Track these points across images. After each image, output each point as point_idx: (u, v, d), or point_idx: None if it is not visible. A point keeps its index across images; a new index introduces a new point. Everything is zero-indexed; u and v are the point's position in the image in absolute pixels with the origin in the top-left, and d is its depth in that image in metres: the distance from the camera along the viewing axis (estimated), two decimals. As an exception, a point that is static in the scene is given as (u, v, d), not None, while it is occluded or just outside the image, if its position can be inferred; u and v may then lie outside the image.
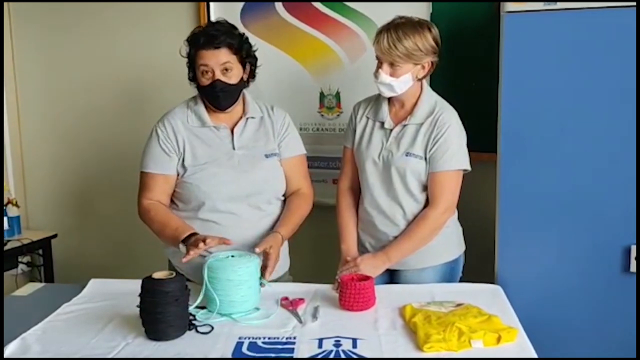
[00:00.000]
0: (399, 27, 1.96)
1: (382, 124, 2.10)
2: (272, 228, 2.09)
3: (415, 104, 2.07)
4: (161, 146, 2.03)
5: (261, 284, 1.88)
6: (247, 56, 2.04)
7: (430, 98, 2.09)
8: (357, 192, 2.23)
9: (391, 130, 2.08)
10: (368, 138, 2.13)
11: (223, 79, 1.97)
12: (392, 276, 2.17)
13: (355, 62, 2.82)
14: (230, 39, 1.98)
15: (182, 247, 1.91)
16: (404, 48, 1.95)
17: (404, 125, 2.06)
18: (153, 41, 3.10)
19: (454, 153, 2.03)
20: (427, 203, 2.08)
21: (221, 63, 1.95)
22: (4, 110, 3.24)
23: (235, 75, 1.99)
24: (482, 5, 2.57)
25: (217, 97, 1.99)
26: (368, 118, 2.15)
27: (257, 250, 1.91)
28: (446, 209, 2.06)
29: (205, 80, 1.97)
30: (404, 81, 2.00)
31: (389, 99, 2.11)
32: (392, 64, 1.97)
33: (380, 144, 2.09)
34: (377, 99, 2.16)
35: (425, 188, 2.08)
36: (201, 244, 1.83)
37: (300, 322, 1.76)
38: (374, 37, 2.02)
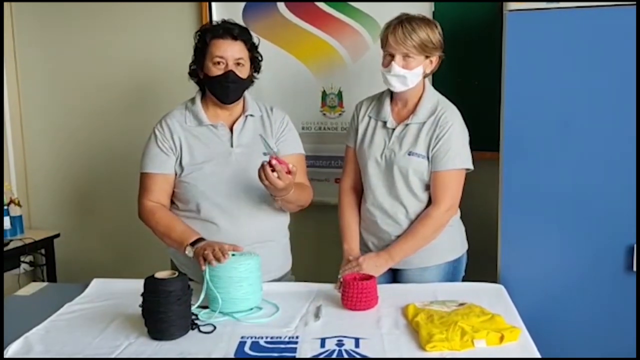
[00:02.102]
0: (410, 20, 1.98)
1: (385, 123, 2.10)
2: (271, 227, 2.09)
3: (418, 102, 2.07)
4: (159, 146, 2.04)
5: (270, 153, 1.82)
6: (255, 59, 2.07)
7: (433, 97, 2.09)
8: (359, 192, 2.23)
9: (393, 129, 2.08)
10: (370, 137, 2.12)
11: (237, 71, 1.99)
12: (395, 275, 2.17)
13: (358, 61, 2.81)
14: (246, 35, 2.03)
15: (189, 251, 1.91)
16: (418, 38, 1.96)
17: (407, 125, 2.06)
18: (155, 41, 3.11)
19: (457, 152, 2.03)
20: (429, 202, 2.09)
21: (236, 57, 1.99)
22: (4, 109, 3.24)
23: (245, 71, 2.03)
24: (485, 4, 2.56)
25: (227, 88, 2.00)
26: (370, 117, 2.15)
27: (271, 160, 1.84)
28: (449, 207, 2.06)
29: (217, 71, 1.99)
30: (416, 74, 2.01)
31: (392, 98, 2.11)
32: (406, 56, 1.97)
33: (382, 143, 2.09)
34: (379, 98, 2.16)
35: (427, 187, 2.08)
36: (227, 256, 1.79)
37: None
38: (382, 31, 2.02)
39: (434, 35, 2.00)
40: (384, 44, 2.01)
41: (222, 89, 2.01)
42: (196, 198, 2.01)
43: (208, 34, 2.00)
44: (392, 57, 1.98)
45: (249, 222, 2.03)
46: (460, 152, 2.05)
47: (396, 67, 1.98)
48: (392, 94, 2.12)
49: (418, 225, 2.06)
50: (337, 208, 2.24)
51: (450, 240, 2.14)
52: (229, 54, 1.98)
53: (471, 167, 2.08)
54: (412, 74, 1.99)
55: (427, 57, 2.01)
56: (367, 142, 2.13)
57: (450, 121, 2.03)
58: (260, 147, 2.06)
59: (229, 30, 1.99)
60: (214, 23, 2.08)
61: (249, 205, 2.03)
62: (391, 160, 2.06)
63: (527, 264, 2.19)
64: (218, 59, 1.98)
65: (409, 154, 2.04)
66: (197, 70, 2.06)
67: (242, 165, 2.03)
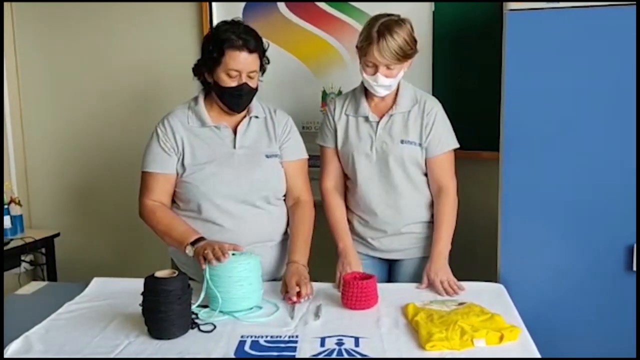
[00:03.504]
0: (389, 27, 1.96)
1: (366, 118, 2.13)
2: (271, 228, 2.09)
3: (396, 94, 2.12)
4: (161, 145, 2.03)
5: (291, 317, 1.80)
6: (264, 66, 2.05)
7: (409, 87, 2.15)
8: (342, 191, 2.24)
9: (377, 122, 2.11)
10: (355, 133, 2.14)
11: (249, 83, 1.97)
12: (391, 266, 2.22)
13: (358, 60, 2.81)
14: (261, 47, 2.00)
15: (189, 251, 1.90)
16: (399, 48, 1.96)
17: (391, 115, 2.10)
18: (155, 41, 3.11)
19: (448, 135, 2.13)
20: (421, 188, 2.14)
21: (251, 70, 1.96)
22: (4, 108, 3.25)
23: (256, 80, 2.02)
24: (485, 4, 2.56)
25: (240, 98, 1.99)
26: (348, 115, 2.17)
27: (290, 297, 1.87)
28: (455, 186, 2.13)
29: (231, 82, 1.96)
30: (398, 78, 2.06)
31: (366, 93, 2.14)
32: (388, 67, 1.99)
33: (369, 138, 2.12)
34: (352, 96, 2.19)
35: (422, 172, 2.13)
36: (227, 255, 1.79)
37: (292, 317, 1.77)
38: (362, 40, 2.01)
39: (409, 36, 1.99)
40: (365, 53, 2.00)
41: (234, 100, 1.99)
42: (197, 198, 2.01)
43: (225, 44, 1.93)
44: (376, 67, 2.00)
45: (249, 223, 2.03)
46: (450, 134, 2.15)
47: (381, 77, 2.00)
48: (366, 90, 2.13)
49: (444, 214, 2.10)
50: (324, 209, 2.22)
51: None
52: (244, 67, 1.95)
53: (458, 145, 2.16)
54: (395, 80, 2.04)
55: (407, 59, 2.02)
56: (353, 139, 2.14)
57: (434, 107, 2.12)
58: (263, 148, 2.07)
59: (246, 42, 1.94)
60: (229, 25, 1.99)
61: (249, 206, 2.03)
62: (384, 151, 2.10)
63: (528, 264, 2.19)
64: (233, 73, 1.94)
65: (402, 142, 2.09)
66: (204, 71, 2.02)
67: (244, 167, 2.02)
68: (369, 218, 2.17)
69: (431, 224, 2.17)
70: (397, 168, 2.10)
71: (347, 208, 2.24)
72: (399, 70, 2.02)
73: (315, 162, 2.82)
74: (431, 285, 2.00)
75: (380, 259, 2.23)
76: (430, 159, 2.11)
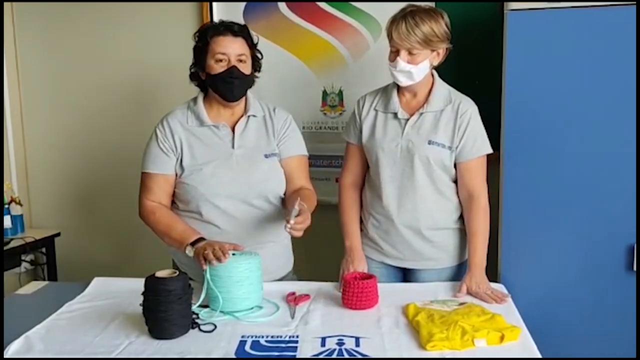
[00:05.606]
0: (415, 13, 1.94)
1: (395, 114, 2.07)
2: (271, 228, 2.07)
3: (430, 92, 2.05)
4: (160, 146, 2.03)
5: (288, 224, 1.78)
6: (255, 57, 2.06)
7: (443, 87, 2.08)
8: (360, 188, 2.21)
9: (407, 119, 2.05)
10: (382, 130, 2.08)
11: (240, 67, 1.97)
12: (407, 275, 2.16)
13: (358, 60, 2.82)
14: (246, 32, 2.02)
15: (189, 251, 1.90)
16: (422, 33, 1.92)
17: (421, 114, 2.04)
18: (156, 41, 3.11)
19: (483, 138, 2.05)
20: (446, 194, 2.07)
21: (238, 53, 1.97)
22: (4, 107, 3.25)
23: (247, 67, 2.01)
24: (485, 4, 2.57)
25: (232, 84, 1.97)
26: (377, 111, 2.12)
27: (297, 206, 1.82)
28: (486, 194, 2.05)
29: (220, 68, 1.96)
30: (422, 68, 1.98)
31: (398, 89, 2.08)
32: (410, 52, 1.94)
33: (396, 135, 2.06)
34: (384, 91, 2.13)
35: (449, 176, 2.06)
36: (227, 255, 1.78)
37: (292, 317, 1.78)
38: (387, 26, 1.98)
39: (439, 27, 1.94)
40: (389, 39, 1.98)
41: (225, 86, 1.98)
42: (196, 200, 2.01)
43: (209, 32, 1.99)
44: (397, 52, 1.96)
45: (249, 224, 2.03)
46: (485, 137, 2.06)
47: (401, 62, 1.95)
48: (399, 86, 2.07)
49: (478, 224, 2.03)
50: (338, 205, 2.22)
51: (464, 240, 2.11)
52: (231, 50, 1.96)
53: (491, 150, 2.08)
54: (417, 69, 1.97)
55: (432, 50, 1.97)
56: (380, 135, 2.08)
57: (469, 109, 2.03)
58: (262, 148, 2.06)
59: (229, 27, 1.98)
60: (211, 23, 2.06)
61: (249, 207, 2.03)
62: (409, 150, 2.03)
63: (528, 264, 2.20)
64: (220, 56, 1.96)
65: (429, 143, 2.02)
66: (198, 71, 2.04)
67: (243, 167, 2.02)
68: (385, 220, 2.11)
69: (454, 231, 2.10)
70: (421, 169, 2.03)
71: (363, 209, 2.19)
72: (423, 58, 1.95)
73: (315, 162, 2.84)
74: (470, 294, 1.95)
75: (394, 267, 2.17)
76: (462, 163, 2.03)
